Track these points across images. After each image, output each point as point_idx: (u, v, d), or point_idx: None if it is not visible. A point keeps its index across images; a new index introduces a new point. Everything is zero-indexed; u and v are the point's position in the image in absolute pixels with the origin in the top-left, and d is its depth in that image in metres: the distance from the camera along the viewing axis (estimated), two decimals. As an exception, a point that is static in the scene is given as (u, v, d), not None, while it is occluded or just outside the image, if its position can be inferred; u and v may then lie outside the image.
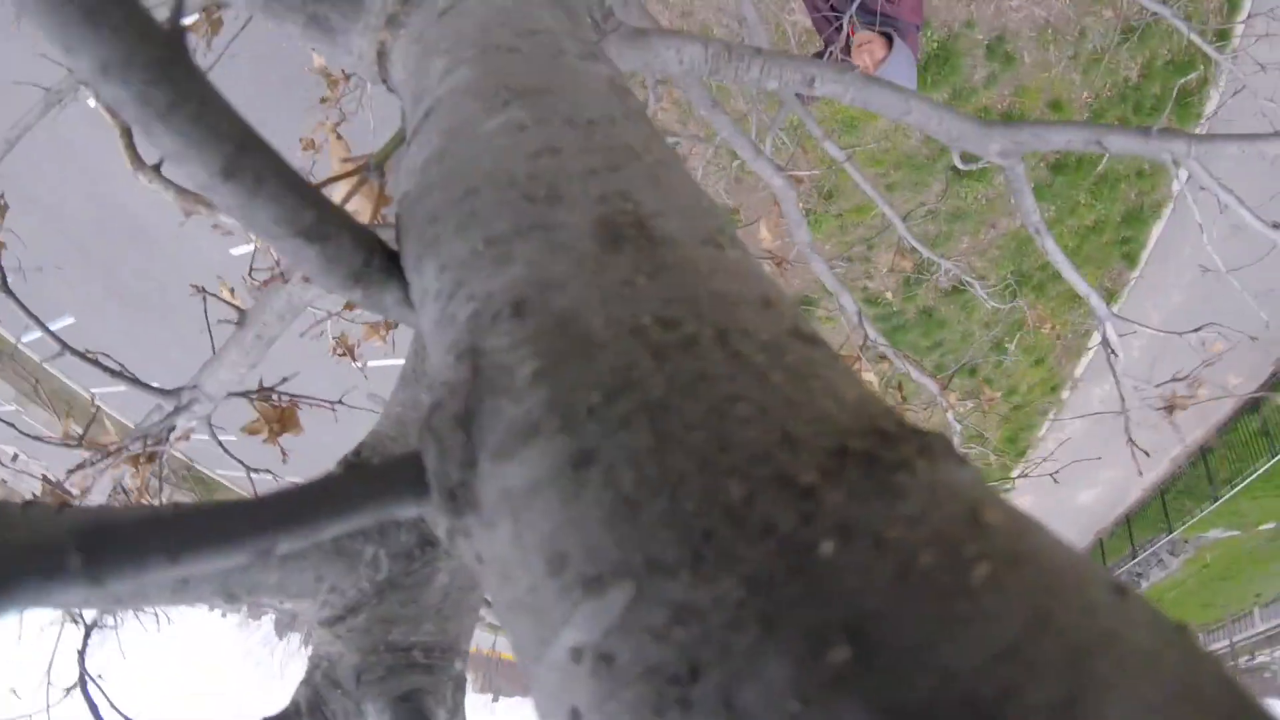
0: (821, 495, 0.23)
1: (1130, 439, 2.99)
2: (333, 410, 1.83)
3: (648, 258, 0.34)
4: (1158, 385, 2.97)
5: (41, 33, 0.41)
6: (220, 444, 1.88)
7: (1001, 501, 0.26)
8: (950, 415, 3.24)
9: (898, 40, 3.04)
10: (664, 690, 0.22)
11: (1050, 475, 3.59)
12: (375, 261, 0.49)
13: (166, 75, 0.40)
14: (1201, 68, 7.18)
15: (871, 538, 0.22)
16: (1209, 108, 7.45)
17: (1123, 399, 2.95)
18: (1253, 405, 10.71)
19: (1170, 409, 3.01)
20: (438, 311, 0.39)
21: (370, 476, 0.36)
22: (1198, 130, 7.29)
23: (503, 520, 0.29)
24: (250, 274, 2.04)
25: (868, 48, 3.03)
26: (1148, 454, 2.94)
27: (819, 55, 3.20)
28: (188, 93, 0.41)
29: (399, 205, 0.51)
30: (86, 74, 0.41)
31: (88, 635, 1.61)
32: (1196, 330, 3.02)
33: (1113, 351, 2.83)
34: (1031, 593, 0.22)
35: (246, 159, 0.43)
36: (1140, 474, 3.00)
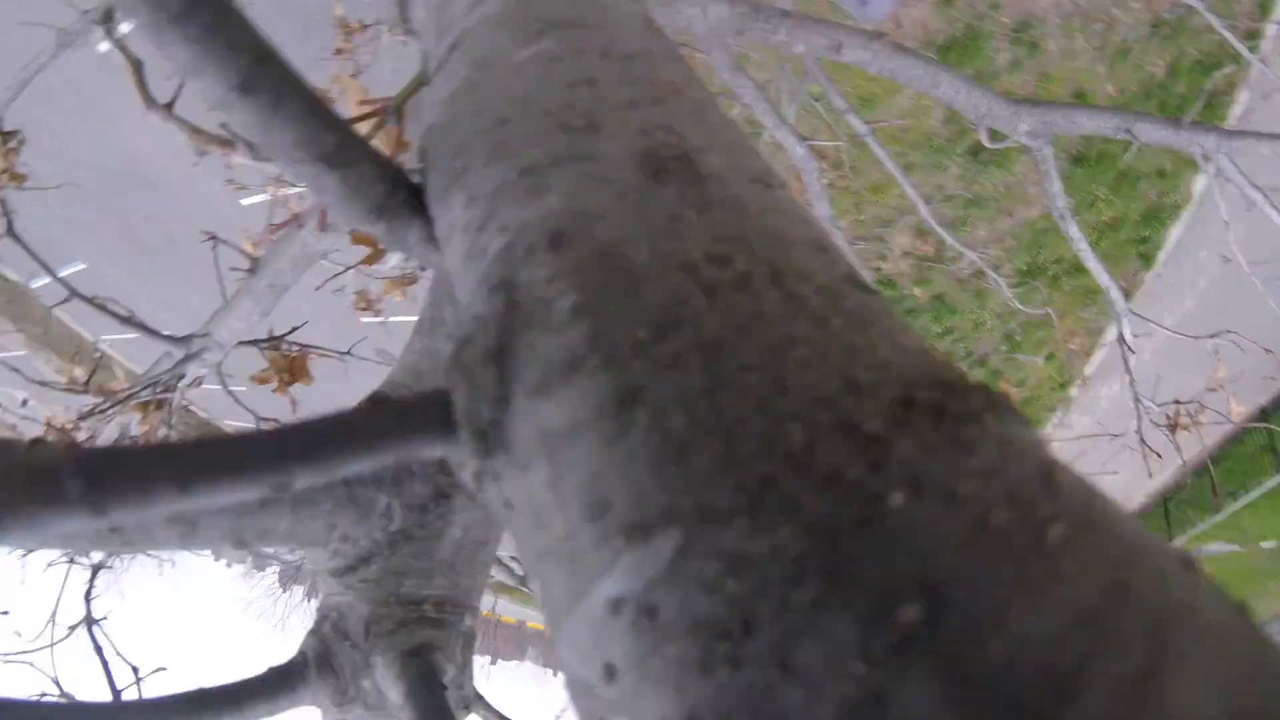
0: (890, 444, 0.22)
1: (1141, 439, 2.97)
2: (342, 360, 1.81)
3: (695, 192, 0.32)
4: (1160, 405, 2.95)
5: None
6: (230, 392, 1.87)
7: (1068, 464, 0.25)
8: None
9: None
10: (712, 646, 0.20)
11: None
12: (399, 195, 0.47)
13: (185, -19, 0.38)
14: (1231, 68, 7.03)
15: (943, 491, 0.20)
16: (1236, 110, 7.30)
17: (1137, 398, 2.92)
18: (1261, 418, 10.65)
19: (1173, 428, 2.99)
20: (467, 244, 0.37)
21: (395, 413, 0.34)
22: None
23: (537, 462, 0.27)
24: (268, 229, 2.02)
25: None
26: (1159, 455, 2.92)
27: None
28: (203, 0, 0.39)
29: (423, 138, 0.49)
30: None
31: (94, 576, 1.61)
32: (1213, 336, 2.99)
33: (1129, 349, 2.81)
34: (1108, 558, 0.21)
35: (265, 73, 0.40)
36: (1150, 475, 2.99)
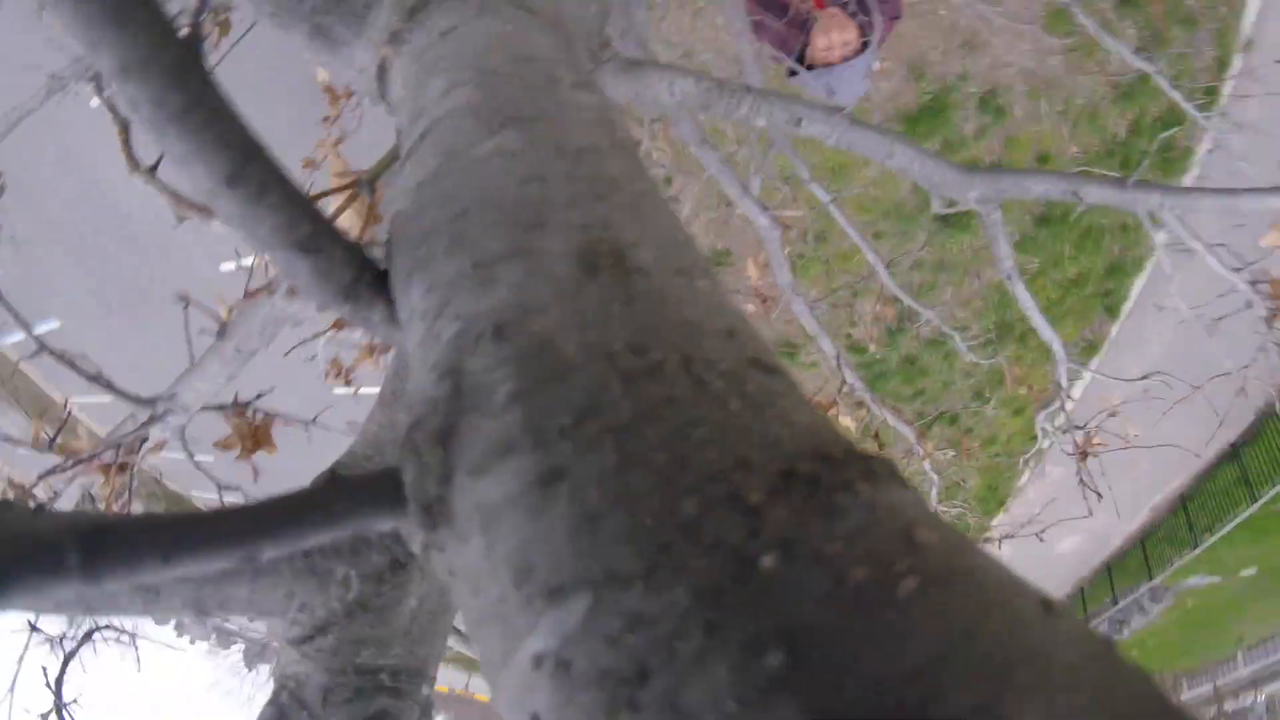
0: (766, 513, 0.25)
1: (1082, 480, 3.04)
2: (306, 430, 1.82)
3: (622, 286, 0.36)
4: (1063, 430, 3.05)
5: (65, 29, 0.43)
6: (193, 458, 1.87)
7: (939, 522, 0.28)
8: (927, 464, 3.27)
9: (872, 42, 2.77)
10: (616, 693, 0.23)
11: (1036, 535, 3.62)
12: (365, 278, 0.51)
13: (183, 80, 0.42)
14: (1189, 124, 7.38)
15: (810, 553, 0.24)
16: (1195, 165, 7.64)
17: (1075, 442, 3.00)
18: (1232, 454, 10.83)
19: (1083, 455, 3.07)
20: (423, 330, 0.41)
21: (351, 489, 0.37)
22: (1183, 185, 7.47)
23: (475, 534, 0.31)
24: (246, 296, 2.04)
25: (837, 23, 2.62)
26: (1100, 495, 2.98)
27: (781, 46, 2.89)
28: (201, 98, 0.43)
29: (391, 223, 0.53)
30: (107, 72, 0.42)
31: (66, 663, 1.57)
32: (1143, 378, 3.09)
33: (1067, 395, 2.91)
34: (959, 608, 0.23)
35: (252, 168, 0.45)
36: (1089, 513, 3.05)
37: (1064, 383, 2.57)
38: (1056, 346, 2.43)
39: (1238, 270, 2.21)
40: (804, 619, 0.22)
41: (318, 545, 0.67)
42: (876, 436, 3.45)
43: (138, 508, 2.13)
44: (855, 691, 0.21)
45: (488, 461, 0.31)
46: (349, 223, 1.05)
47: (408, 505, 0.36)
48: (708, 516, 0.25)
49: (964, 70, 7.05)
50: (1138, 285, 8.89)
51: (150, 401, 1.87)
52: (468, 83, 0.61)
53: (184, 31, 0.40)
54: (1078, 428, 2.83)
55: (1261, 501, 10.65)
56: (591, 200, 0.44)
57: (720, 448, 0.28)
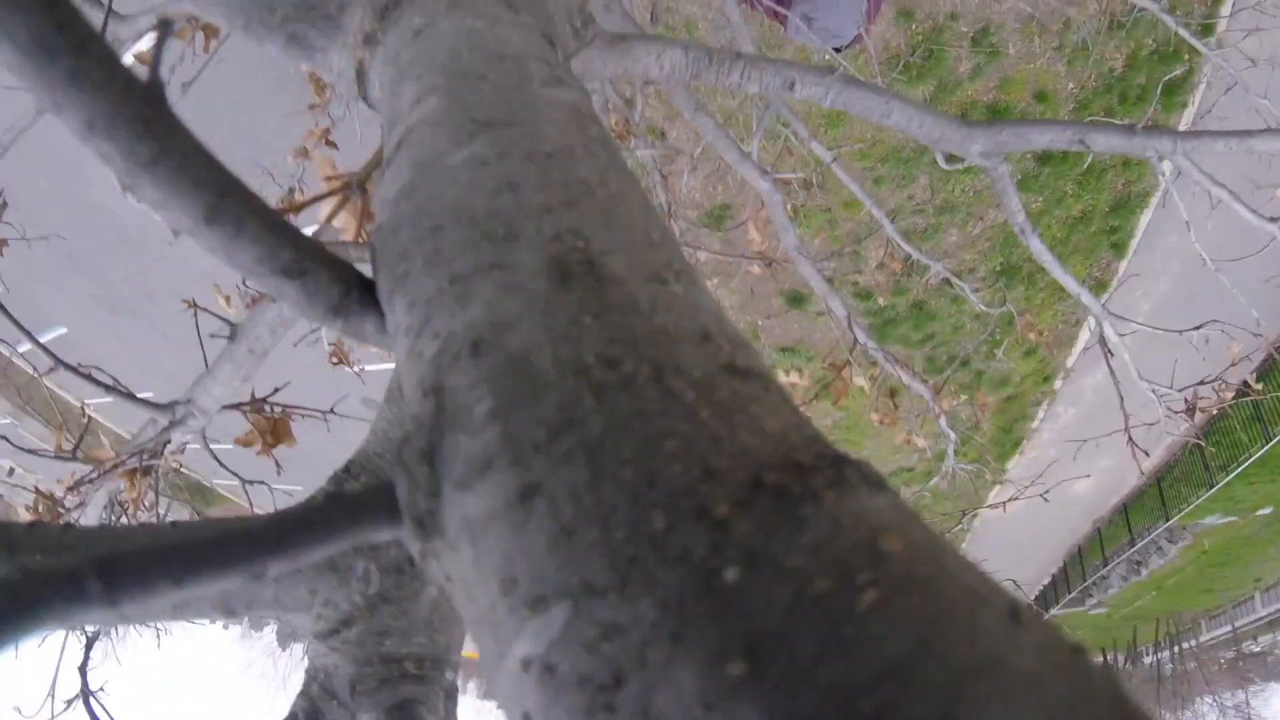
0: (731, 526, 0.27)
1: (1130, 439, 3.00)
2: (324, 420, 1.85)
3: (594, 297, 0.37)
4: (1181, 390, 2.97)
5: (28, 91, 0.44)
6: (215, 457, 1.91)
7: (909, 528, 0.28)
8: (943, 421, 3.27)
9: None
10: (595, 696, 0.25)
11: (1041, 496, 3.61)
12: (354, 294, 0.52)
13: (149, 130, 0.43)
14: (1187, 59, 7.22)
15: (773, 565, 0.25)
16: (1195, 98, 7.50)
17: (1122, 399, 2.96)
18: (1245, 391, 10.78)
19: (1191, 411, 3.01)
20: (408, 346, 0.42)
21: (349, 505, 0.39)
22: (1185, 123, 7.34)
23: (464, 545, 0.32)
24: (244, 283, 2.07)
25: None
26: (1147, 454, 2.96)
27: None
28: (170, 146, 0.44)
29: (373, 238, 0.54)
30: (74, 130, 0.44)
31: (89, 649, 1.63)
32: (1198, 328, 3.02)
33: (1109, 351, 2.84)
34: (917, 618, 0.24)
35: (227, 204, 0.46)
36: (1141, 472, 3.03)
37: (1111, 337, 2.50)
38: (1087, 300, 2.38)
39: (1275, 220, 2.18)
40: (765, 629, 0.24)
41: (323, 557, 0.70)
42: (892, 395, 3.45)
43: (161, 503, 2.18)
44: (813, 700, 0.22)
45: (470, 477, 0.32)
46: (343, 223, 1.06)
47: (403, 518, 0.37)
48: (675, 530, 0.27)
49: (955, 9, 6.91)
50: (1144, 221, 8.78)
51: (169, 407, 1.90)
52: (439, 89, 0.61)
53: (146, 79, 0.41)
54: (1204, 382, 2.77)
55: (1276, 441, 10.61)
56: (563, 208, 0.44)
57: (688, 460, 0.29)
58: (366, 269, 0.57)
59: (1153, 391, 3.01)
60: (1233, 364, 3.11)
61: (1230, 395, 3.00)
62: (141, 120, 0.43)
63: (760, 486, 0.28)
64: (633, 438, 0.30)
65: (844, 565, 0.25)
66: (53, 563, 0.35)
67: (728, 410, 0.32)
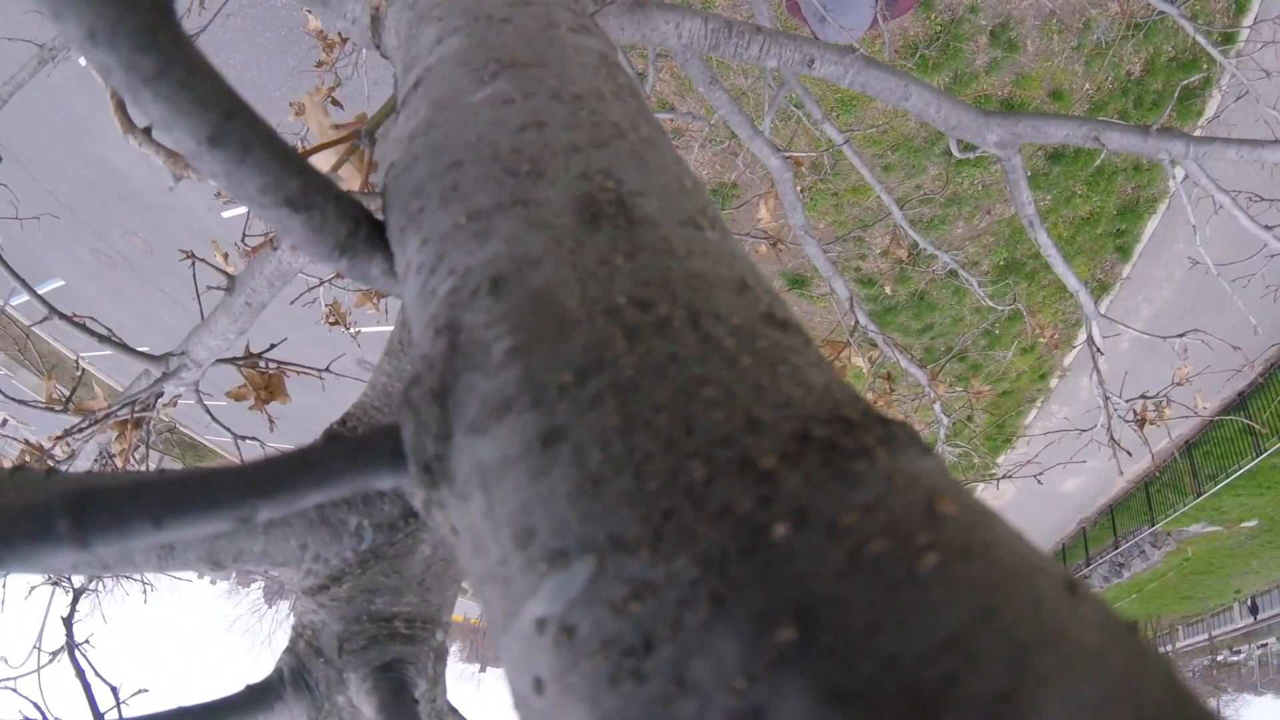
0: (779, 479, 0.24)
1: (1112, 438, 3.02)
2: (319, 377, 1.83)
3: (626, 237, 0.34)
4: (1128, 400, 3.01)
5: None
6: (208, 410, 1.88)
7: (960, 492, 0.27)
8: (937, 407, 3.26)
9: None
10: (620, 662, 0.23)
11: (1035, 477, 3.63)
12: (361, 232, 0.49)
13: (153, 41, 0.40)
14: (1205, 67, 7.16)
15: (825, 523, 0.23)
16: (1210, 107, 7.44)
17: (1105, 397, 2.97)
18: (1238, 404, 10.82)
19: (1141, 423, 3.04)
20: (419, 285, 0.39)
21: (350, 448, 0.36)
22: (1197, 131, 7.30)
23: (475, 494, 0.30)
24: (243, 240, 2.03)
25: None
26: (1129, 453, 2.97)
27: None
28: (174, 59, 0.41)
29: (386, 176, 0.51)
30: (75, 40, 0.40)
31: (75, 601, 1.62)
32: (1180, 336, 3.04)
33: (1098, 350, 2.85)
34: (979, 585, 0.22)
35: (233, 126, 0.43)
36: (1121, 473, 3.04)
37: (1097, 338, 2.51)
38: (1083, 299, 2.37)
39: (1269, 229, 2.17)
40: (818, 593, 0.21)
41: (318, 504, 0.67)
42: (889, 378, 3.44)
43: (153, 458, 2.16)
44: (869, 670, 0.20)
45: (486, 420, 0.30)
46: (347, 174, 1.03)
47: (408, 464, 0.35)
48: (716, 482, 0.24)
49: (975, 2, 6.82)
50: (1150, 226, 8.74)
51: (163, 358, 1.88)
52: (462, 29, 0.58)
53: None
54: (1145, 397, 2.79)
55: (1267, 454, 10.65)
56: (592, 147, 0.42)
57: (729, 408, 0.26)
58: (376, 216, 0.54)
59: (1105, 398, 3.02)
60: (1181, 384, 3.13)
61: (1169, 414, 3.04)
62: (147, 30, 0.40)
63: (809, 439, 0.25)
64: (669, 382, 0.27)
65: (901, 526, 0.23)
66: (16, 499, 0.32)
67: (770, 360, 0.29)
